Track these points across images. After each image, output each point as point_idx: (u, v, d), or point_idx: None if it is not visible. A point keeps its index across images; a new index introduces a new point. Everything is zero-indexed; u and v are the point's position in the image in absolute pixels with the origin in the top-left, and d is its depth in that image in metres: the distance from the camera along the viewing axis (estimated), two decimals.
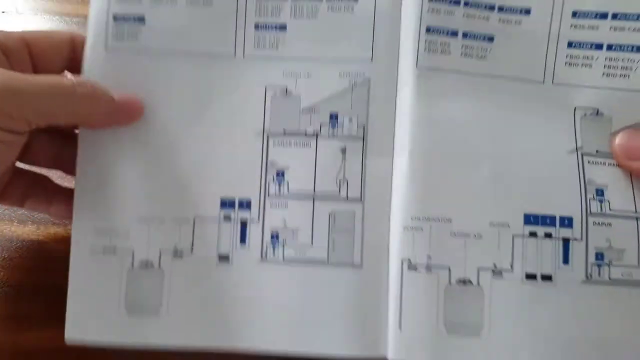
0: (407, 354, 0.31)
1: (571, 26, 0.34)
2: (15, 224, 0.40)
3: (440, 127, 0.33)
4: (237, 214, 0.34)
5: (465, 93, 0.34)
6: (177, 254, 0.34)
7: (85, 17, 0.35)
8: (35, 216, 0.40)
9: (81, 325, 0.33)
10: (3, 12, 0.48)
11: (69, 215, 0.35)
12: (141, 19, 0.35)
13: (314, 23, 0.36)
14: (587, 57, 0.34)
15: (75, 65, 0.35)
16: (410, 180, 0.33)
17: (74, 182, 0.34)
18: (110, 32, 0.35)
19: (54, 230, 0.36)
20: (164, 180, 0.35)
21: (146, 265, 0.34)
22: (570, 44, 0.34)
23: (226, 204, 0.34)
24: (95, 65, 0.35)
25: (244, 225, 0.34)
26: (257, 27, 0.36)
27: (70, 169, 0.36)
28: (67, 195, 0.36)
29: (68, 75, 0.34)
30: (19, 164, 0.36)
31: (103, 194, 0.34)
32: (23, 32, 0.34)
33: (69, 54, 0.35)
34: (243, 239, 0.34)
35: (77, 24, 0.48)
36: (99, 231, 0.34)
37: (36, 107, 0.30)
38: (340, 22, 0.35)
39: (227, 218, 0.34)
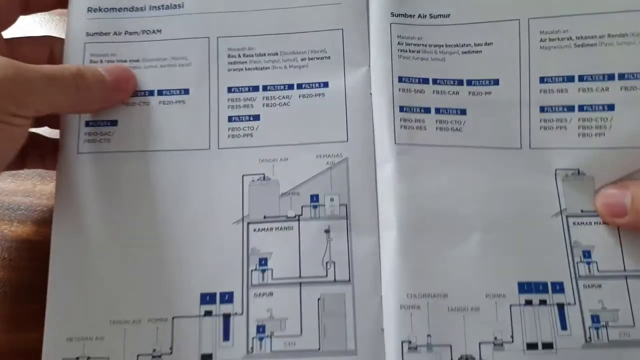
0: None
1: (541, 91, 0.34)
2: (15, 224, 0.40)
3: (425, 200, 0.33)
4: (219, 309, 0.32)
5: (446, 165, 0.34)
6: (156, 357, 0.32)
7: None
8: (35, 216, 0.40)
9: None
10: None
11: None
12: (114, 123, 0.35)
13: (286, 110, 0.35)
14: (561, 120, 0.34)
15: None
16: (402, 256, 0.32)
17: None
18: (82, 137, 0.35)
19: None
20: (139, 280, 0.33)
21: None
22: (542, 109, 0.34)
23: (207, 298, 0.33)
24: (68, 167, 0.35)
25: (226, 320, 0.32)
26: (230, 119, 0.35)
27: (55, 124, 0.37)
28: (57, 146, 0.36)
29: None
30: None
31: (75, 299, 0.33)
32: None
33: None
34: (226, 334, 0.32)
35: None
36: (71, 341, 0.32)
37: (43, 97, 0.31)
38: (312, 107, 0.35)
39: (209, 313, 0.32)
